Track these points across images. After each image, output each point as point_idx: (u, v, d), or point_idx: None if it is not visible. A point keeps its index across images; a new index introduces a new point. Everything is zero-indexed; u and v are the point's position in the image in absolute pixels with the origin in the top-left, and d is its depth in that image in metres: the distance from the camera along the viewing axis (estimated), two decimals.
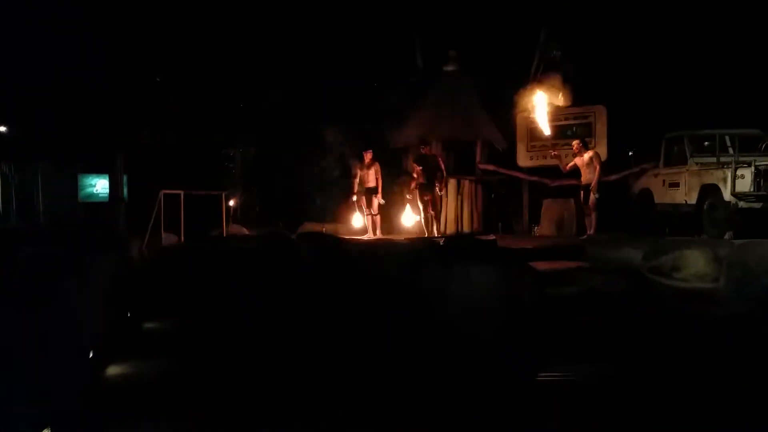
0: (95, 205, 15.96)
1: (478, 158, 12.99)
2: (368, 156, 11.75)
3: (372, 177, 11.72)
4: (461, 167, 12.86)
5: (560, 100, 11.01)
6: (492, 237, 10.33)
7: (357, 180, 11.81)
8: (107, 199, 15.20)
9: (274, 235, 10.43)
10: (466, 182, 12.76)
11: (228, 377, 5.65)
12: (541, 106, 10.90)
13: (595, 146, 12.38)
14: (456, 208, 12.65)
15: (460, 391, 5.17)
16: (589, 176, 10.38)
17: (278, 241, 10.15)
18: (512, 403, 4.92)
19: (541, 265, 8.56)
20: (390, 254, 8.44)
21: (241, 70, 15.68)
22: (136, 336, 7.37)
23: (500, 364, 5.69)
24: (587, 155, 10.46)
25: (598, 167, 10.33)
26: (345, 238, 10.40)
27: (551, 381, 5.39)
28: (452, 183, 12.61)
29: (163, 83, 15.86)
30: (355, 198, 11.87)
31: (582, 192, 10.53)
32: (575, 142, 10.77)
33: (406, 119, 13.58)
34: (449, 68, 13.50)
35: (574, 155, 10.67)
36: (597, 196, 10.25)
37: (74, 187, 16.27)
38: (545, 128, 10.84)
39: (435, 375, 5.54)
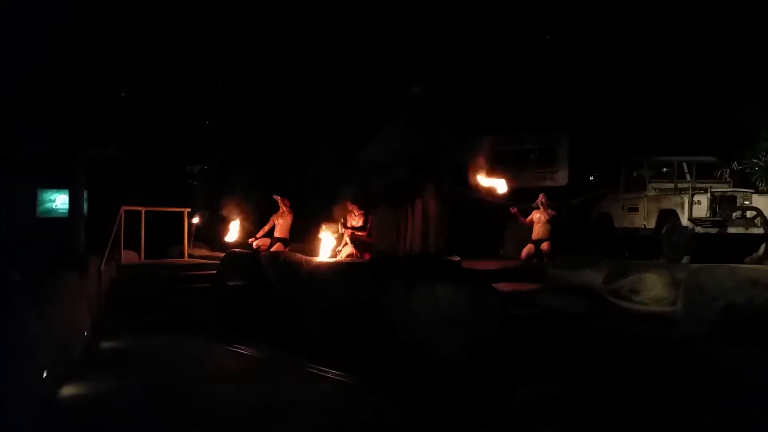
0: (54, 221, 15.56)
1: (444, 179, 13.06)
2: (284, 203, 11.51)
3: (285, 227, 11.49)
4: (427, 188, 12.90)
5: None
6: (457, 258, 10.39)
7: (268, 227, 11.48)
8: (66, 215, 14.83)
9: (238, 256, 10.30)
10: (432, 203, 12.80)
11: (181, 399, 5.54)
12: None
13: (557, 171, 12.65)
14: (422, 229, 12.67)
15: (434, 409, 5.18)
16: (543, 234, 10.74)
17: (243, 262, 10.06)
18: (483, 421, 4.92)
19: (505, 286, 8.66)
20: (356, 274, 8.44)
21: (206, 86, 15.58)
22: (94, 355, 7.20)
23: (461, 381, 5.72)
24: (547, 215, 10.80)
25: (551, 215, 10.92)
26: (311, 259, 10.34)
27: (514, 399, 5.42)
28: (418, 204, 12.66)
29: (126, 98, 15.64)
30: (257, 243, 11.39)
31: (534, 244, 10.81)
32: (541, 196, 11.03)
33: (373, 139, 13.62)
34: (415, 90, 13.60)
35: (537, 207, 11.02)
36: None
37: (33, 202, 15.87)
38: (500, 188, 10.89)
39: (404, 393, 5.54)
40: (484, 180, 10.68)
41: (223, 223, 12.61)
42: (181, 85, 15.29)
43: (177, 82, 15.23)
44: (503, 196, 10.89)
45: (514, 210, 10.98)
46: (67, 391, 5.60)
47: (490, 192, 10.87)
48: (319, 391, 5.84)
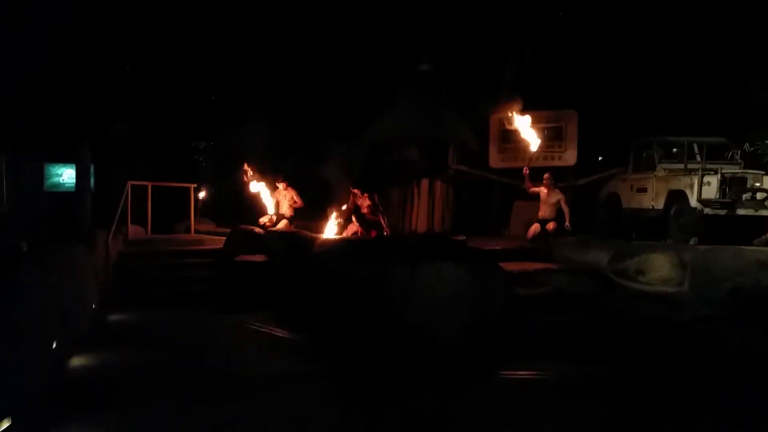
0: (61, 196, 15.58)
1: (450, 158, 13.03)
2: (281, 184, 11.40)
3: (285, 204, 11.39)
4: (433, 167, 12.89)
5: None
6: (462, 237, 10.37)
7: (274, 204, 11.38)
8: (73, 189, 14.85)
9: (244, 232, 10.31)
10: (438, 182, 12.79)
11: (186, 372, 5.59)
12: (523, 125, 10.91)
13: (565, 150, 12.57)
14: (428, 208, 12.68)
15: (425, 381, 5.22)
16: (549, 214, 10.65)
17: (249, 238, 10.07)
18: (477, 398, 4.94)
19: (510, 266, 8.65)
20: (361, 252, 8.43)
21: (211, 63, 15.52)
22: (101, 328, 7.26)
23: (463, 358, 5.75)
24: (555, 197, 10.70)
25: (567, 209, 10.69)
26: (316, 236, 10.35)
27: (515, 378, 5.44)
28: (424, 183, 12.65)
29: (132, 73, 15.61)
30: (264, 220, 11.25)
31: (539, 224, 10.72)
32: (546, 175, 10.93)
33: (379, 118, 13.57)
34: (423, 68, 13.52)
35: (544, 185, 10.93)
36: (569, 228, 10.55)
37: (40, 176, 15.88)
38: (533, 143, 10.80)
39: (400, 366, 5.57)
40: (523, 126, 10.53)
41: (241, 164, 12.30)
42: (185, 61, 15.23)
43: (181, 59, 15.18)
44: (530, 156, 10.84)
45: (526, 171, 10.87)
46: (76, 361, 5.66)
47: (524, 146, 10.81)
48: (320, 366, 5.88)
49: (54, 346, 4.90)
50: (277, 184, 11.46)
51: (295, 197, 11.41)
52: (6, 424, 3.44)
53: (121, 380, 5.27)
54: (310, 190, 12.06)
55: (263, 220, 11.27)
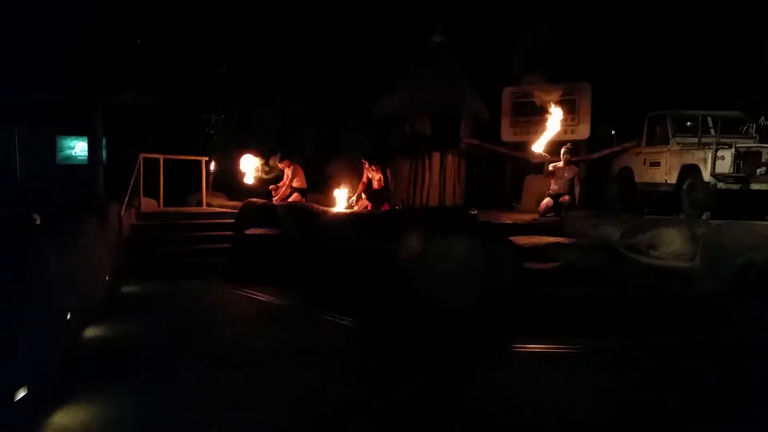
0: (74, 168, 15.69)
1: (462, 132, 12.95)
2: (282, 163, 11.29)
3: (300, 178, 11.33)
4: (445, 141, 12.82)
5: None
6: (474, 211, 10.35)
7: (286, 178, 11.32)
8: (86, 162, 14.93)
9: (255, 205, 10.33)
10: (450, 156, 12.73)
11: (199, 343, 5.67)
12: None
13: (578, 123, 12.44)
14: (439, 182, 12.64)
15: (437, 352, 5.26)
16: (562, 189, 10.58)
17: (260, 211, 10.10)
18: (490, 369, 4.97)
19: (521, 240, 8.65)
20: (371, 225, 8.44)
21: (223, 34, 15.43)
22: (114, 299, 7.35)
23: (475, 331, 5.78)
24: (571, 172, 10.61)
25: (578, 188, 10.69)
26: (327, 209, 10.35)
27: (525, 351, 5.46)
28: (436, 157, 12.60)
29: (143, 45, 15.54)
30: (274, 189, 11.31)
31: (552, 198, 10.66)
32: (565, 148, 10.80)
33: (390, 90, 13.47)
34: (436, 39, 13.37)
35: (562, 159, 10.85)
36: (576, 204, 10.57)
37: (52, 149, 15.97)
38: (552, 128, 10.73)
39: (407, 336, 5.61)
40: (555, 108, 10.49)
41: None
42: (196, 33, 15.15)
43: (192, 31, 15.10)
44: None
45: (551, 169, 10.82)
46: (91, 332, 5.74)
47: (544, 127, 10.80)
48: (330, 338, 5.94)
49: (68, 317, 4.97)
50: (279, 164, 11.43)
51: (298, 176, 11.38)
52: (22, 393, 3.50)
53: (135, 350, 5.35)
54: (322, 164, 12.05)
55: (275, 192, 11.28)
